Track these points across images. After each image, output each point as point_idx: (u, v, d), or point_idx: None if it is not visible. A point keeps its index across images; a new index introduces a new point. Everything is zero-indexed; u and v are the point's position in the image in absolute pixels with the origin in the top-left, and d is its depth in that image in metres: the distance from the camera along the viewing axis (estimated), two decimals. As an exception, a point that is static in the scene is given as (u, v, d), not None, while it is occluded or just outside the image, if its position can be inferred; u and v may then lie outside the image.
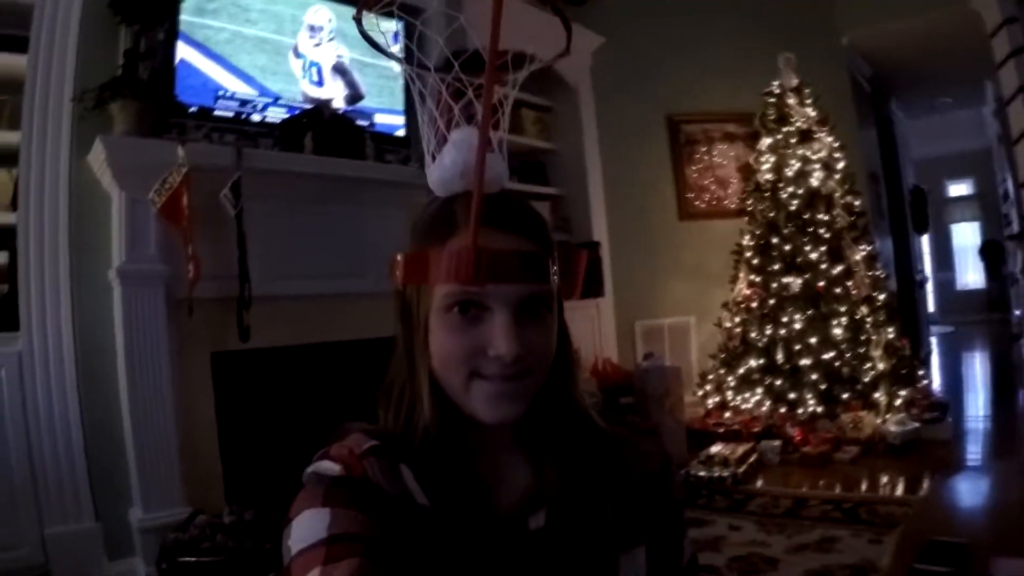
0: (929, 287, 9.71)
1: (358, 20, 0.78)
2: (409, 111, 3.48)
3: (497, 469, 0.73)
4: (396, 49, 0.80)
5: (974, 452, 3.87)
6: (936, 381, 5.40)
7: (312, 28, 3.14)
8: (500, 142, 0.74)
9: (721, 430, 4.15)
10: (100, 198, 2.53)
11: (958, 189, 10.92)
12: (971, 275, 10.84)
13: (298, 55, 3.10)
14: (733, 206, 4.84)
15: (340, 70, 3.26)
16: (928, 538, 1.43)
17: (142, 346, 2.47)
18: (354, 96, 3.30)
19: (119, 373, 2.50)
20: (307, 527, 0.61)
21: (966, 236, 10.83)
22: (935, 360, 7.36)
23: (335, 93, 3.24)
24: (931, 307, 10.18)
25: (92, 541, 2.49)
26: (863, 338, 3.94)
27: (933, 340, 8.34)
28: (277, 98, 3.02)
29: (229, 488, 2.70)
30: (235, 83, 2.88)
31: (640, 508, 0.76)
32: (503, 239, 0.66)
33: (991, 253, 9.14)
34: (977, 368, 7.34)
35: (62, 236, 2.46)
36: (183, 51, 2.71)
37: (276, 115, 3.00)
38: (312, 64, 3.17)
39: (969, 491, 1.95)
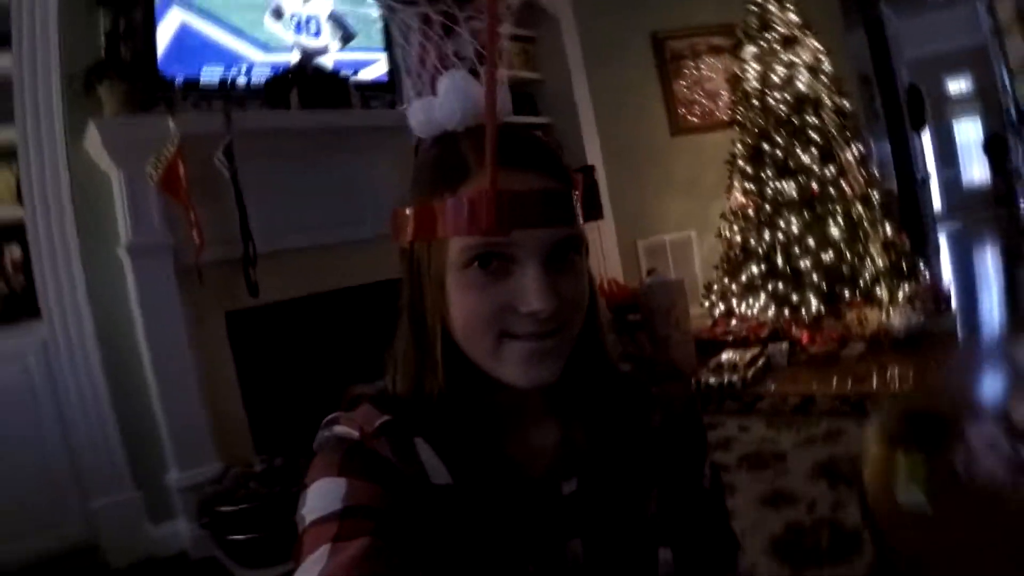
0: (935, 186, 9.60)
1: None
2: (391, 54, 3.48)
3: (522, 433, 0.67)
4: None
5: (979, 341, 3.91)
6: (943, 275, 5.40)
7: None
8: (501, 76, 0.63)
9: (729, 338, 4.23)
10: (100, 179, 2.59)
11: (957, 86, 10.63)
12: (976, 171, 10.67)
13: (279, 15, 3.11)
14: (725, 118, 4.78)
15: (335, 17, 3.28)
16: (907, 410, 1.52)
17: (158, 315, 2.56)
18: (347, 37, 3.31)
19: (140, 344, 2.60)
20: (321, 496, 0.58)
21: (969, 132, 10.61)
22: (945, 257, 7.35)
23: (330, 40, 3.26)
24: (938, 206, 10.09)
25: (135, 509, 2.61)
26: (861, 237, 3.96)
27: (942, 238, 8.30)
28: (268, 49, 3.05)
29: (257, 439, 2.83)
30: (233, 41, 2.94)
31: (667, 453, 0.72)
32: (523, 179, 0.59)
33: (995, 148, 8.97)
34: (988, 263, 7.32)
35: (69, 222, 2.52)
36: (181, 15, 2.75)
37: (261, 75, 3.02)
38: (309, 17, 3.20)
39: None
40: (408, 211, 0.63)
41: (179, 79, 2.77)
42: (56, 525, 2.50)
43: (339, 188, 3.13)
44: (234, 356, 2.81)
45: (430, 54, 0.68)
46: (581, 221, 0.64)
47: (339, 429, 0.63)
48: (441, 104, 0.64)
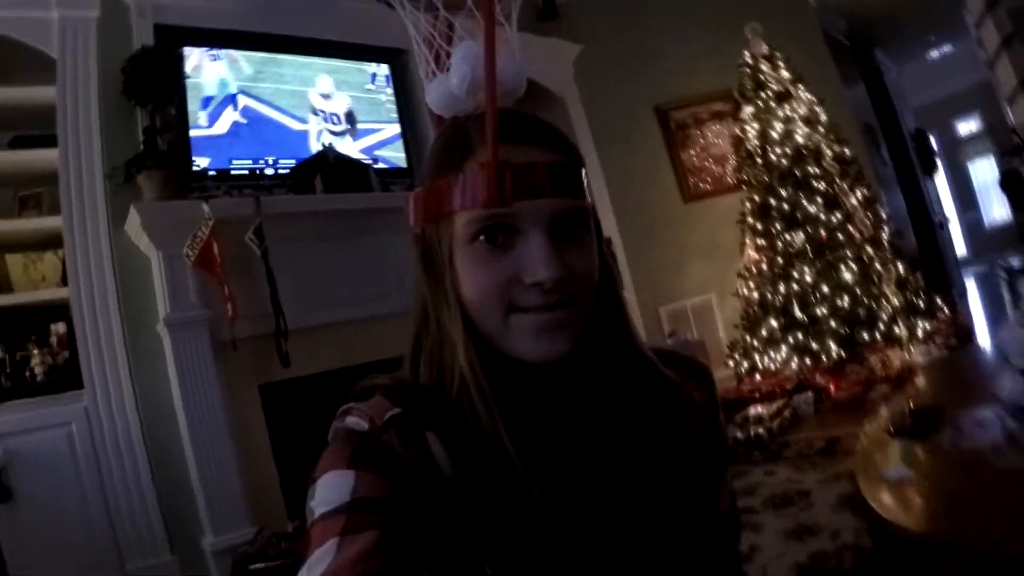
0: (956, 229, 9.53)
1: None
2: (406, 142, 3.74)
3: (541, 420, 0.65)
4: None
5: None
6: (962, 311, 5.35)
7: (324, 96, 3.50)
8: (510, 44, 0.66)
9: (755, 394, 4.19)
10: (140, 260, 2.79)
11: (967, 127, 10.65)
12: (997, 210, 10.56)
13: (315, 112, 3.44)
14: (734, 181, 4.90)
15: (349, 114, 3.59)
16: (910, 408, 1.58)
17: (195, 385, 2.69)
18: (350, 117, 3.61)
19: (177, 413, 2.72)
20: (330, 489, 0.58)
21: (985, 172, 10.58)
22: (974, 299, 7.23)
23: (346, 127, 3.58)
24: (963, 250, 9.98)
25: (169, 572, 2.68)
26: (874, 278, 3.99)
27: (968, 280, 8.19)
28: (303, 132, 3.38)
29: (289, 504, 2.89)
30: (286, 120, 3.30)
31: (689, 453, 0.69)
32: (526, 152, 0.60)
33: (1012, 184, 8.93)
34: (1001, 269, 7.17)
35: (111, 299, 2.71)
36: (244, 101, 3.14)
37: (286, 166, 3.26)
38: (332, 114, 3.51)
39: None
40: (418, 193, 0.63)
41: (211, 171, 3.00)
42: None
43: (363, 266, 3.30)
44: (267, 425, 2.92)
45: (436, 37, 0.68)
46: (588, 197, 0.63)
47: (350, 420, 0.63)
48: (453, 73, 0.65)
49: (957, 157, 10.56)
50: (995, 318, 5.93)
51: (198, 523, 2.74)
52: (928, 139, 7.86)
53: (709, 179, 5.10)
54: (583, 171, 0.63)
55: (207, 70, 3.11)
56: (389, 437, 0.60)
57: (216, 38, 3.14)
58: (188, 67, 3.01)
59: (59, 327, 2.80)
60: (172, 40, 2.96)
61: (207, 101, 3.06)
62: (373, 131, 3.67)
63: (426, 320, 0.65)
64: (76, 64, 2.82)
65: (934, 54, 8.28)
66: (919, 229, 6.42)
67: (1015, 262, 4.85)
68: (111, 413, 2.68)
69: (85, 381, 2.66)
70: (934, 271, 5.66)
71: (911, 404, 1.66)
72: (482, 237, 0.59)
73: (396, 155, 3.75)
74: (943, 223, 7.46)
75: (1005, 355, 1.40)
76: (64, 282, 2.78)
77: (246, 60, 3.25)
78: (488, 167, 0.55)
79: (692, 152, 5.11)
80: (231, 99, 3.15)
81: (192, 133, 2.98)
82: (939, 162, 8.51)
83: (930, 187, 7.68)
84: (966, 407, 1.48)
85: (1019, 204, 9.33)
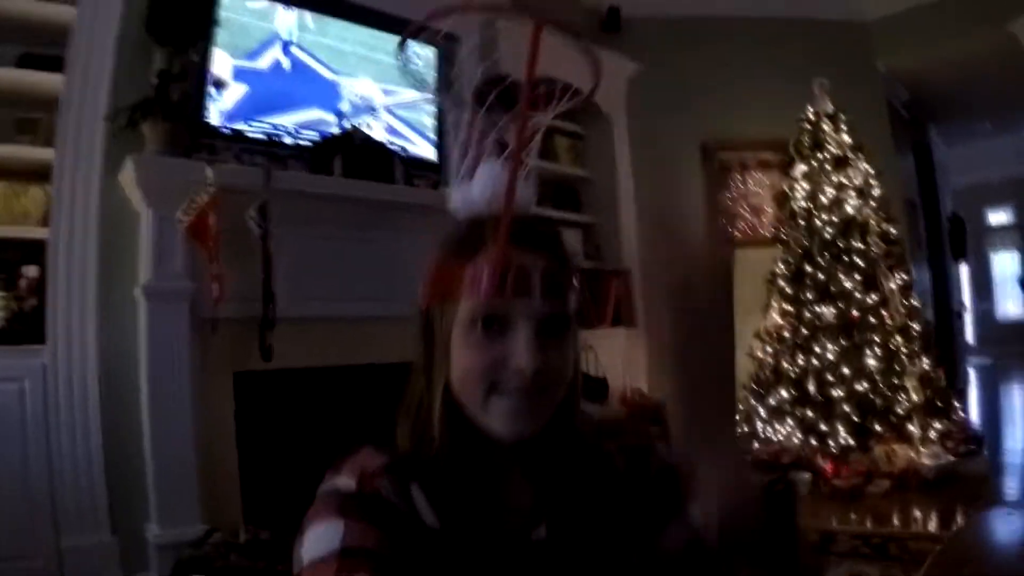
0: (967, 317, 9.37)
1: (400, 51, 0.81)
2: (440, 136, 3.46)
3: (504, 485, 0.73)
4: (432, 77, 0.82)
5: (1011, 488, 3.70)
6: (973, 413, 5.17)
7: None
8: (529, 171, 0.76)
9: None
10: (129, 216, 2.54)
11: (998, 217, 10.55)
12: (1011, 306, 10.44)
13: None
14: (767, 235, 4.67)
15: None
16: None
17: (165, 363, 2.47)
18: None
19: (141, 389, 2.50)
20: (320, 538, 0.62)
21: (1006, 265, 10.45)
22: (973, 392, 7.09)
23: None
24: (970, 338, 9.83)
25: (107, 555, 2.48)
26: (897, 369, 3.78)
27: (971, 372, 8.05)
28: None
29: (247, 507, 2.66)
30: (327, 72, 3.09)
31: (639, 514, 0.77)
32: (528, 257, 0.67)
33: (1031, 283, 8.82)
34: (1016, 401, 7.04)
35: (91, 253, 2.47)
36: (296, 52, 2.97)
37: (307, 137, 3.00)
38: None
39: (1000, 530, 1.80)
40: (431, 275, 0.71)
41: (226, 128, 2.74)
42: (23, 556, 2.38)
43: (371, 262, 3.04)
44: (236, 417, 2.68)
45: (473, 147, 0.77)
46: (573, 304, 0.71)
47: (340, 482, 0.68)
48: (476, 185, 0.73)
49: (981, 245, 10.42)
50: (994, 418, 5.80)
51: (145, 510, 2.52)
52: (963, 224, 7.66)
53: (742, 227, 4.85)
54: (573, 274, 0.71)
55: (278, 16, 2.92)
56: (381, 483, 0.67)
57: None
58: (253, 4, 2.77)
59: (31, 271, 2.53)
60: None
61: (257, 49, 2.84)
62: (406, 120, 3.41)
63: (418, 387, 0.72)
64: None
65: (984, 141, 8.07)
66: (938, 314, 6.21)
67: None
68: (69, 376, 2.45)
69: (48, 336, 2.43)
70: (945, 360, 5.47)
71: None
72: (480, 324, 0.66)
73: (424, 148, 3.47)
74: (960, 312, 7.28)
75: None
76: (46, 223, 2.52)
77: (314, 20, 3.04)
78: (496, 265, 0.64)
79: (730, 196, 4.85)
80: (285, 43, 2.94)
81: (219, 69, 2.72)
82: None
83: (955, 273, 7.49)
84: None
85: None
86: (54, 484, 2.43)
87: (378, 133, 3.23)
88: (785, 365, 4.03)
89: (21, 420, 2.40)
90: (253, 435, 2.71)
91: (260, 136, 2.84)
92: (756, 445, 4.08)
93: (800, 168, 4.19)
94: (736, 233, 4.82)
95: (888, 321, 3.83)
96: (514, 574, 0.70)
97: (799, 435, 3.93)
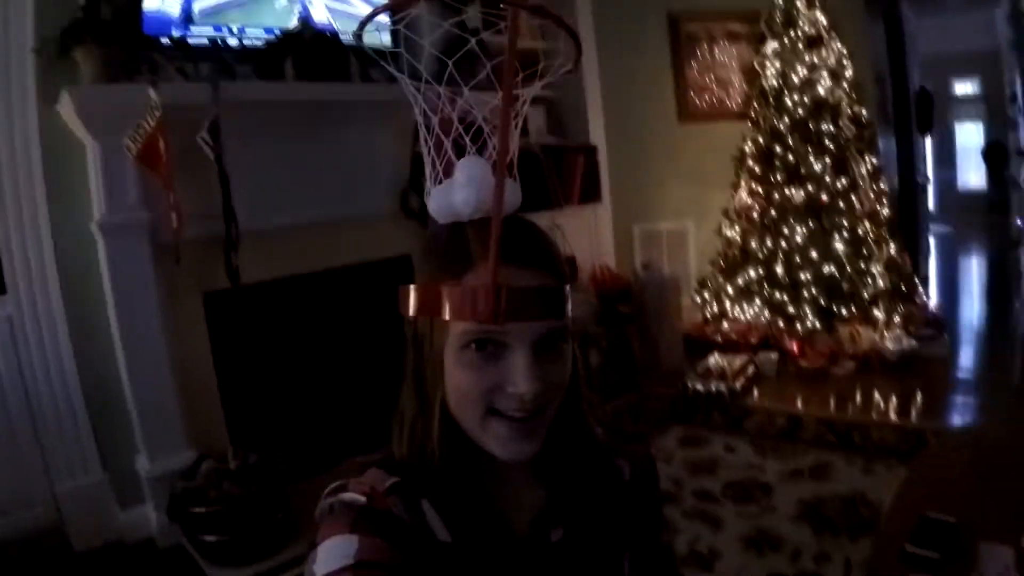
0: (930, 187, 9.51)
1: (358, 36, 0.75)
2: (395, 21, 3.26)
3: (512, 494, 0.73)
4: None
5: (967, 371, 3.87)
6: (933, 291, 5.36)
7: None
8: (512, 163, 0.69)
9: (719, 339, 4.17)
10: (75, 148, 2.37)
11: (964, 88, 10.48)
12: (973, 176, 10.60)
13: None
14: (735, 108, 4.58)
15: None
16: (920, 511, 1.41)
17: (131, 295, 2.40)
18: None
19: (111, 324, 2.44)
20: (334, 552, 0.61)
21: (970, 136, 10.51)
22: (932, 263, 7.30)
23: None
24: (931, 206, 10.03)
25: (102, 492, 2.52)
26: (865, 254, 3.86)
27: (931, 240, 8.27)
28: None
29: (232, 428, 2.70)
30: None
31: (631, 509, 0.80)
32: (521, 275, 0.64)
33: (994, 155, 8.90)
34: (974, 275, 7.28)
35: (40, 193, 2.33)
36: None
37: (254, 37, 2.79)
38: None
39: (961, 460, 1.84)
40: (414, 288, 0.67)
41: (165, 40, 2.53)
42: (21, 507, 2.42)
43: (331, 164, 2.95)
44: (211, 340, 2.66)
45: (447, 140, 0.71)
46: (570, 313, 0.68)
47: (347, 496, 0.66)
48: (456, 191, 0.67)
49: (945, 115, 10.42)
50: (951, 288, 6.03)
51: (132, 443, 2.54)
52: (930, 97, 7.61)
53: (708, 101, 4.71)
54: (567, 289, 0.67)
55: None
56: (392, 502, 0.65)
57: None
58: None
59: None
60: None
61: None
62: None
63: (412, 400, 0.70)
64: None
65: (955, 13, 7.91)
66: (903, 187, 6.28)
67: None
68: (37, 322, 2.38)
69: (8, 285, 2.33)
70: (908, 230, 5.58)
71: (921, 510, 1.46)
72: (473, 346, 0.63)
73: (378, 35, 3.26)
74: (924, 184, 7.38)
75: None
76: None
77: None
78: (488, 290, 0.60)
79: (695, 66, 4.66)
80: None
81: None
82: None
83: (920, 145, 7.52)
84: (987, 539, 1.30)
85: (996, 175, 9.38)
86: (39, 432, 2.43)
87: (328, 23, 3.00)
88: (753, 246, 4.10)
89: (-6, 375, 2.34)
90: (230, 355, 2.71)
91: (204, 43, 2.63)
92: (725, 325, 4.21)
93: (772, 45, 4.09)
94: (703, 106, 4.71)
95: (857, 206, 3.88)
96: None
97: (767, 315, 4.04)
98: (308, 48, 2.83)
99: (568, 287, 0.68)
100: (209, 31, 2.66)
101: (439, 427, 0.67)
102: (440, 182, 0.69)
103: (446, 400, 0.67)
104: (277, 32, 2.82)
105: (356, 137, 3.01)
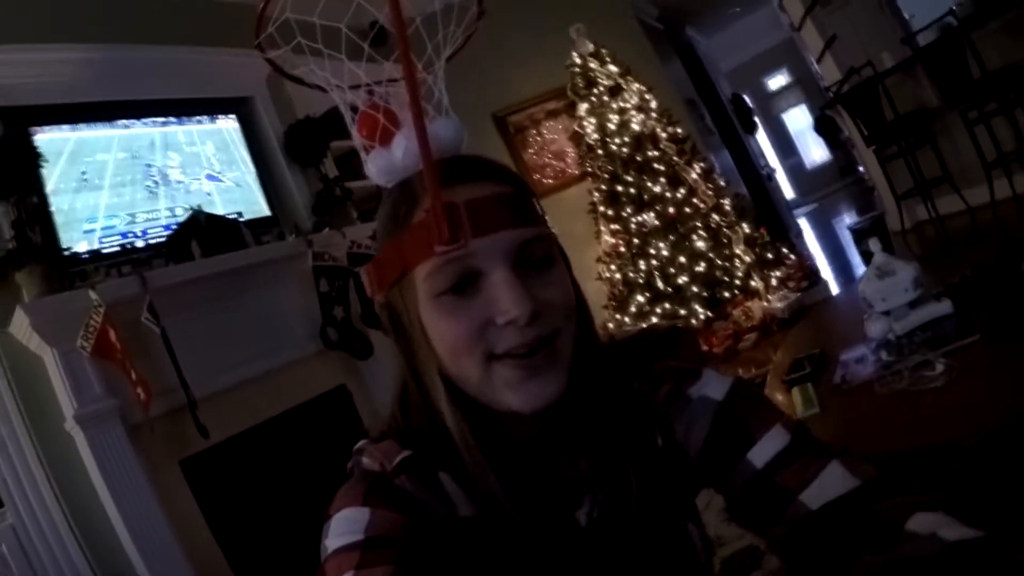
0: (782, 176, 10.72)
1: (260, 48, 0.76)
2: (269, 194, 3.94)
3: (536, 463, 0.68)
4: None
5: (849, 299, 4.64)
6: (806, 253, 6.22)
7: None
8: (446, 108, 0.73)
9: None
10: (33, 361, 2.78)
11: (777, 81, 12.07)
12: (815, 152, 12.00)
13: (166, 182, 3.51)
14: (576, 172, 5.42)
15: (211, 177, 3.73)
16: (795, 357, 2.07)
17: (120, 477, 2.74)
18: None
19: (107, 509, 2.76)
20: (344, 526, 0.60)
21: (799, 120, 11.99)
22: (811, 237, 8.25)
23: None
24: (791, 193, 11.26)
25: None
26: (724, 241, 4.62)
27: (802, 221, 9.27)
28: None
29: (237, 572, 3.03)
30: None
31: (684, 463, 0.70)
32: (474, 188, 0.61)
33: (826, 126, 10.06)
34: (845, 228, 8.22)
35: (11, 407, 2.71)
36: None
37: (156, 234, 3.35)
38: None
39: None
40: (376, 259, 0.66)
41: (83, 253, 3.05)
42: None
43: (253, 322, 3.48)
44: (196, 499, 3.02)
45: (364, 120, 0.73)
46: (545, 222, 0.64)
47: (365, 460, 0.66)
48: (395, 146, 0.69)
49: (771, 110, 11.88)
50: (833, 251, 6.89)
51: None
52: (744, 101, 8.83)
53: (552, 174, 5.57)
54: (535, 200, 0.65)
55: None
56: (401, 481, 0.62)
57: (62, 112, 3.16)
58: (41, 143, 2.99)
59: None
60: (20, 122, 2.94)
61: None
62: (232, 188, 3.82)
63: (412, 381, 0.68)
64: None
65: (738, 22, 9.24)
66: (749, 184, 7.27)
67: (855, 222, 5.79)
68: (39, 525, 2.70)
69: (4, 499, 2.67)
70: (770, 219, 6.47)
71: (793, 353, 2.14)
72: (449, 291, 0.59)
73: (260, 207, 3.92)
74: (770, 174, 8.44)
75: (869, 303, 1.88)
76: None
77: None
78: (436, 209, 0.57)
79: (532, 151, 5.56)
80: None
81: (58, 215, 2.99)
82: (757, 119, 9.56)
83: (753, 143, 8.65)
84: (844, 348, 1.95)
85: (834, 143, 10.66)
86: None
87: (219, 209, 3.63)
88: (631, 275, 4.80)
89: (11, 582, 2.62)
90: (216, 509, 3.07)
91: (116, 248, 3.17)
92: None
93: (583, 107, 4.96)
94: (549, 181, 5.56)
95: (701, 206, 4.66)
96: (561, 564, 0.64)
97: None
98: (206, 230, 3.41)
99: (534, 196, 0.65)
100: (118, 239, 3.20)
101: (446, 397, 0.63)
102: (369, 151, 0.71)
103: (444, 369, 0.63)
104: (174, 225, 3.40)
105: (267, 292, 3.59)
